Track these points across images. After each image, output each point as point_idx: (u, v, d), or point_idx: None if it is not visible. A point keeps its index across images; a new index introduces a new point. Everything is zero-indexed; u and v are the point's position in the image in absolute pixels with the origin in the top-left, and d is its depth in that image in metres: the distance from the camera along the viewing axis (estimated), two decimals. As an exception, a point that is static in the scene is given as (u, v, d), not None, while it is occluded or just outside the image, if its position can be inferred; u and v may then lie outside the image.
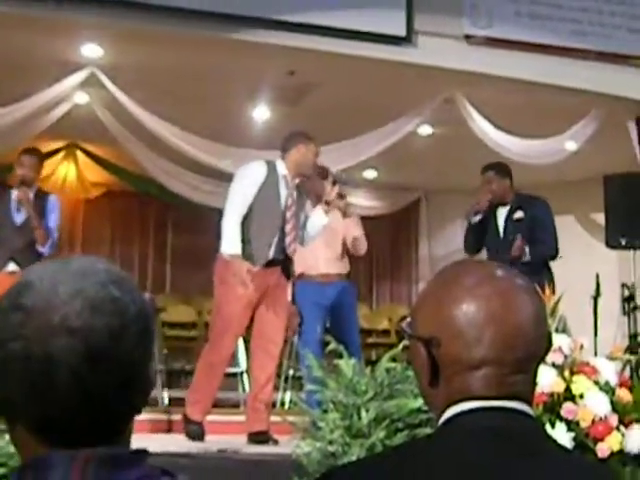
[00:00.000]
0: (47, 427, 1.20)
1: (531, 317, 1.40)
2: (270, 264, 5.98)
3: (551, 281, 6.51)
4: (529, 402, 1.41)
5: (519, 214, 7.23)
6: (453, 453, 1.34)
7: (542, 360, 1.46)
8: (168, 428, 7.16)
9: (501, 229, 7.31)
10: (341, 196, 7.20)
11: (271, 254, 5.97)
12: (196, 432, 5.96)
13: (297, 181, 6.15)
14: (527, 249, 7.02)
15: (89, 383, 1.18)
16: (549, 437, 1.41)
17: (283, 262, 6.07)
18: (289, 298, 6.27)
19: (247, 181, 6.01)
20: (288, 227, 6.01)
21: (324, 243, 7.30)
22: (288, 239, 6.01)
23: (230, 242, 5.84)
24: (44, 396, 1.17)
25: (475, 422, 1.37)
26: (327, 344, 4.40)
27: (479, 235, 7.38)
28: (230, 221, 5.88)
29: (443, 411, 1.41)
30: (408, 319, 1.51)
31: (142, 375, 1.25)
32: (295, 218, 6.07)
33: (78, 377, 1.17)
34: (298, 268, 7.33)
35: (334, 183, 7.15)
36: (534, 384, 1.44)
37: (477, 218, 7.29)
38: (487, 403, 1.38)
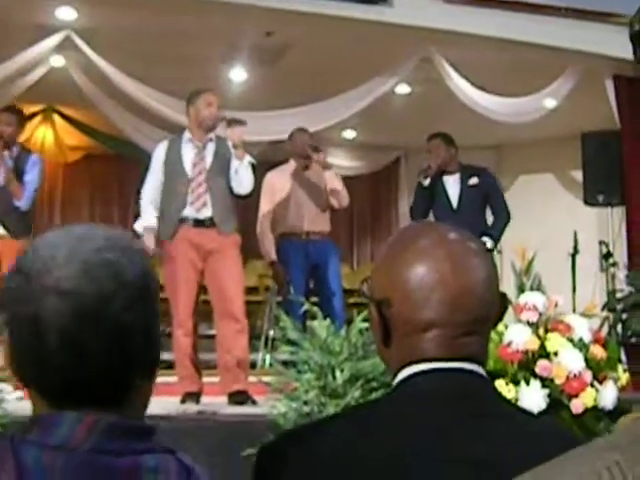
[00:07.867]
0: (48, 389, 1.23)
1: (481, 280, 1.40)
2: (199, 225, 5.98)
3: None
4: (482, 363, 1.42)
5: (474, 180, 7.38)
6: (404, 416, 1.35)
7: (496, 322, 1.48)
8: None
9: (454, 197, 7.45)
10: (316, 149, 7.23)
11: (187, 214, 5.97)
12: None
13: (212, 136, 6.20)
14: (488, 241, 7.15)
15: (80, 344, 1.20)
16: (503, 398, 1.43)
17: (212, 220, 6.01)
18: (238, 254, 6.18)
19: (152, 164, 6.30)
20: (193, 185, 6.02)
21: (308, 199, 7.33)
22: (192, 197, 6.00)
23: (140, 220, 6.13)
24: (38, 357, 1.21)
25: (427, 384, 1.38)
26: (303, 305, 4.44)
27: (428, 201, 7.50)
28: (141, 201, 6.25)
29: (397, 373, 1.43)
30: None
31: (139, 338, 1.26)
32: (206, 174, 6.04)
33: (68, 338, 1.19)
34: (280, 227, 7.36)
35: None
36: (487, 346, 1.45)
37: (427, 182, 7.41)
38: (438, 364, 1.39)
